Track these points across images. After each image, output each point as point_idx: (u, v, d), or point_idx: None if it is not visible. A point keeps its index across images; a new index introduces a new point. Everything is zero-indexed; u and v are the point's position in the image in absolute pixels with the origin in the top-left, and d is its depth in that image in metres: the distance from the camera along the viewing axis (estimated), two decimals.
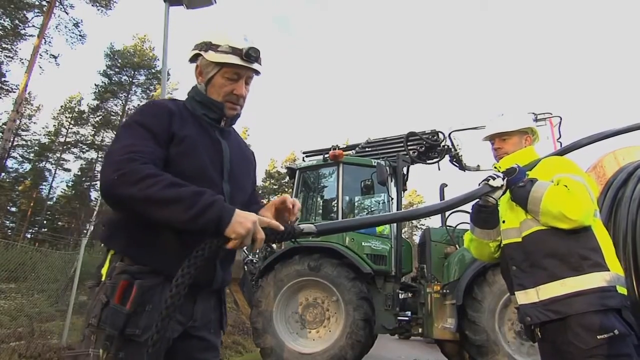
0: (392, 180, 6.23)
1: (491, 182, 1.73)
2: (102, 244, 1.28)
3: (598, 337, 1.52)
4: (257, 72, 1.37)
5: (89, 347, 1.09)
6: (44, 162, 31.08)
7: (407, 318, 5.72)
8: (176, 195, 1.06)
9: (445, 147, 6.59)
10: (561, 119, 5.93)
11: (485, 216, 1.90)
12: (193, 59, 1.39)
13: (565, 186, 1.66)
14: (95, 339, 1.10)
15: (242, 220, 1.06)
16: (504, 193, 1.79)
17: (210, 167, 1.29)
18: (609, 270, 1.62)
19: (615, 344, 1.50)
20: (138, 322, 1.11)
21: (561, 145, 5.66)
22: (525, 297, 1.79)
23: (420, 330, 5.53)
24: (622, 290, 1.62)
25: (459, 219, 5.57)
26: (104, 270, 1.19)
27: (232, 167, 1.36)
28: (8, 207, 30.04)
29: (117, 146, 1.16)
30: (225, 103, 1.35)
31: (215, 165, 1.31)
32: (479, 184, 1.77)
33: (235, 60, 1.30)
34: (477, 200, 1.82)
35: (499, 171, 1.86)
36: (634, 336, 1.55)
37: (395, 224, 5.91)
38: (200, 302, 1.29)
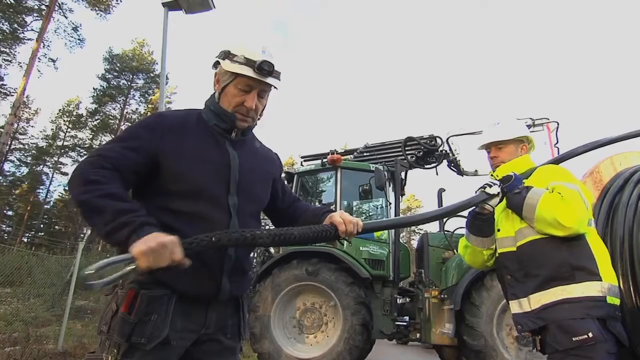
0: (390, 185, 6.24)
1: (488, 190, 1.74)
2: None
3: (573, 339, 1.55)
4: (272, 86, 1.36)
5: (103, 351, 1.16)
6: (41, 166, 31.03)
7: (405, 323, 5.71)
8: (102, 207, 1.08)
9: (443, 152, 6.62)
10: (558, 124, 5.97)
11: (480, 224, 1.91)
12: (214, 66, 1.39)
13: (559, 194, 1.67)
14: (107, 345, 1.16)
15: (148, 240, 1.01)
16: (500, 201, 1.80)
17: (214, 182, 1.29)
18: (601, 280, 1.63)
19: (588, 346, 1.53)
20: (144, 331, 1.14)
21: (558, 151, 5.70)
22: (518, 306, 1.80)
23: (418, 335, 5.52)
24: (613, 300, 1.63)
25: (457, 223, 5.58)
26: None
27: (242, 179, 1.34)
28: (5, 211, 29.92)
29: (97, 148, 1.24)
30: (236, 114, 1.35)
31: (221, 179, 1.30)
32: (476, 192, 1.78)
33: (247, 72, 1.29)
34: (474, 207, 1.83)
35: (496, 179, 1.87)
36: (611, 343, 1.56)
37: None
38: (214, 311, 1.30)
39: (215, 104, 1.37)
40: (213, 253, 1.22)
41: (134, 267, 1.00)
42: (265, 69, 1.29)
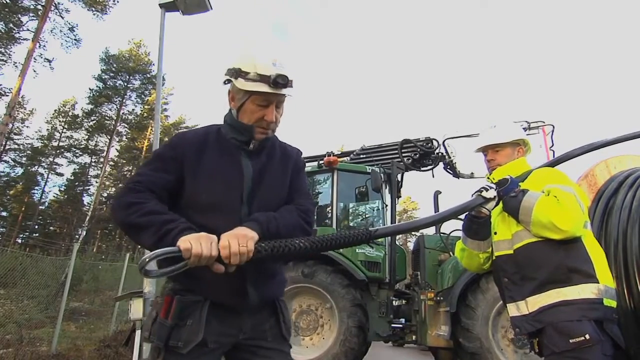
0: (386, 187, 6.24)
1: (484, 194, 1.74)
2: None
3: (570, 341, 1.55)
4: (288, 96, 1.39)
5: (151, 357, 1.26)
6: (36, 167, 30.83)
7: (400, 325, 5.71)
8: (147, 222, 1.18)
9: (439, 154, 6.64)
10: (554, 127, 6.00)
11: (477, 227, 1.91)
12: (225, 82, 1.42)
13: (555, 197, 1.68)
14: (151, 349, 1.25)
15: (191, 237, 1.11)
16: (497, 204, 1.80)
17: (227, 195, 1.34)
18: (598, 282, 1.63)
19: (585, 348, 1.53)
20: (180, 335, 1.22)
21: (554, 154, 5.73)
22: (516, 309, 1.81)
23: (414, 337, 5.53)
24: (610, 302, 1.63)
25: (453, 226, 5.61)
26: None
27: (254, 189, 1.37)
28: None
29: (133, 174, 1.36)
30: (255, 127, 1.38)
31: (234, 191, 1.35)
32: (472, 195, 1.77)
33: (263, 88, 1.30)
34: (471, 210, 1.83)
35: (492, 182, 1.87)
36: (607, 345, 1.57)
37: None
38: (248, 317, 1.35)
39: (233, 118, 1.41)
40: None
41: (185, 262, 1.09)
42: (280, 82, 1.30)
